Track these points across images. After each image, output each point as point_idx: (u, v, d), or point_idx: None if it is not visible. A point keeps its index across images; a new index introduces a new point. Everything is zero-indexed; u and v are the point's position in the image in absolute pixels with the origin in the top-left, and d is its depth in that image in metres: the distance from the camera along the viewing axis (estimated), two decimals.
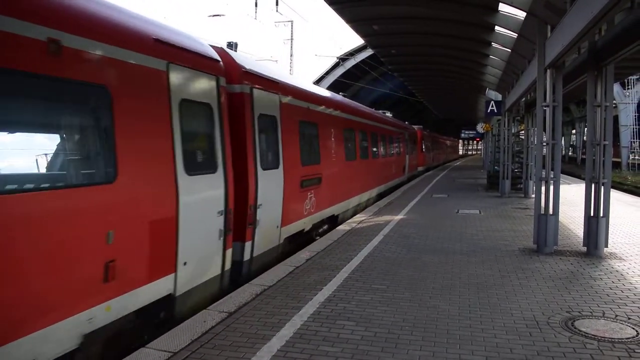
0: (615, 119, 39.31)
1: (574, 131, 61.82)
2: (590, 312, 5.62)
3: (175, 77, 5.56)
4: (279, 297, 6.25)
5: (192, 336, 4.97)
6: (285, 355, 4.55)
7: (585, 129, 42.90)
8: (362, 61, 37.68)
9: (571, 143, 65.43)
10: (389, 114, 24.60)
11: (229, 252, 6.71)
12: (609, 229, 8.52)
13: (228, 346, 4.75)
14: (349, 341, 4.86)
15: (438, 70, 21.83)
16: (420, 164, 32.34)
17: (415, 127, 32.49)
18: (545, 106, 8.89)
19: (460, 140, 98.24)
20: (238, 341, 4.87)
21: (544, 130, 9.10)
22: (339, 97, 14.97)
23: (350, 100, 16.71)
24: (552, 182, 8.92)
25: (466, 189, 21.27)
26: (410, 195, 18.29)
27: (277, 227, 8.59)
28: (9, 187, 3.83)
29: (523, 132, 19.51)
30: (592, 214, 8.39)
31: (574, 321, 5.33)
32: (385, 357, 4.50)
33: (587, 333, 5.00)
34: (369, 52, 34.27)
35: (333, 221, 12.32)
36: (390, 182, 20.69)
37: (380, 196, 18.37)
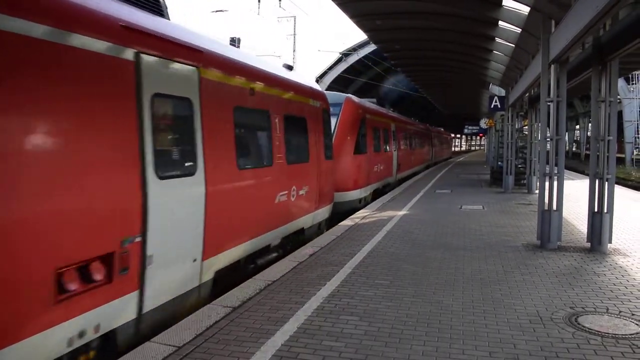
0: (620, 114, 39.10)
1: (577, 126, 61.60)
2: (594, 308, 5.62)
3: None
4: (283, 292, 6.28)
5: (196, 331, 5.00)
6: (289, 349, 4.58)
7: (589, 124, 42.72)
8: (365, 57, 37.59)
9: (575, 138, 65.23)
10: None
11: None
12: (613, 224, 8.51)
13: (232, 341, 4.78)
14: (353, 336, 4.88)
15: (441, 65, 21.73)
16: (356, 183, 14.84)
17: (344, 94, 15.86)
18: (549, 101, 8.86)
19: (463, 135, 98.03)
20: (242, 336, 4.90)
21: (548, 125, 9.08)
22: None
23: None
24: (555, 177, 8.90)
25: (469, 185, 21.24)
26: (413, 191, 18.28)
27: None
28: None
29: (526, 127, 19.46)
30: (596, 210, 8.38)
31: (578, 317, 5.33)
32: (389, 352, 4.51)
33: (590, 329, 5.00)
34: (372, 48, 34.21)
35: None
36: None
37: None
